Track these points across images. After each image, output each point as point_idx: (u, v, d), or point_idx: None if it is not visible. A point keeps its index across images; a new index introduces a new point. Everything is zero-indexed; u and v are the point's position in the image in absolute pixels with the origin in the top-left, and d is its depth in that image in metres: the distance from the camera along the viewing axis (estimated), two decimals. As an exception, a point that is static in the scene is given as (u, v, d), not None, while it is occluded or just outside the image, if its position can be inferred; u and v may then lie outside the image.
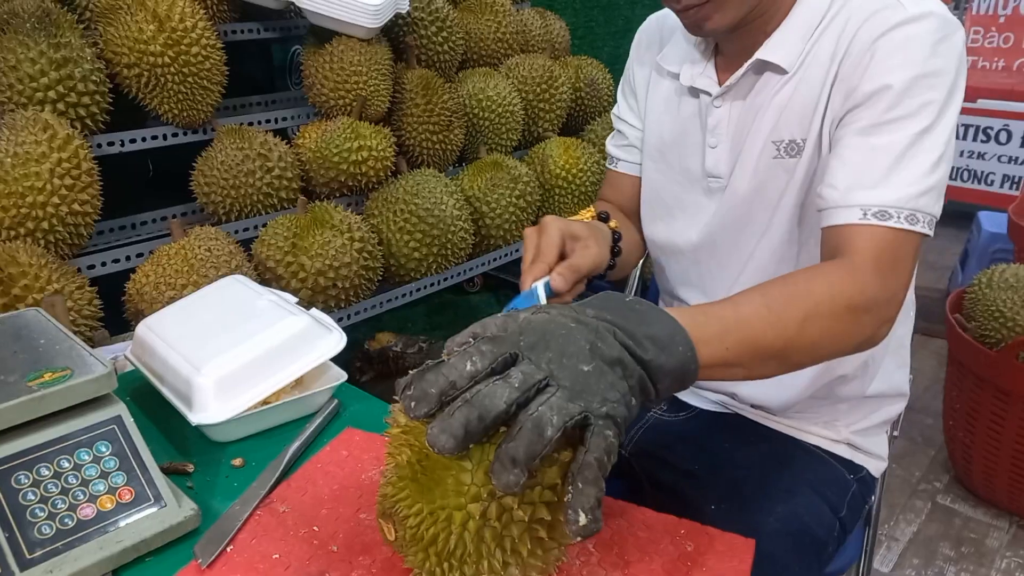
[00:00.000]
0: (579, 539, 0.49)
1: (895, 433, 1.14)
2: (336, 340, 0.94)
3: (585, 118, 2.31)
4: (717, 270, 1.02)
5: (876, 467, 1.05)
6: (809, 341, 0.70)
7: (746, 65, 0.90)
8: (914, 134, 0.79)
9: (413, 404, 0.50)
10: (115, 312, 1.32)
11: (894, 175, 0.79)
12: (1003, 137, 3.76)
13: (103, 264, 1.35)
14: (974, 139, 3.85)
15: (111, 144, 1.42)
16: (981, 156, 3.86)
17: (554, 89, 2.09)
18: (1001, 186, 3.80)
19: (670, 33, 1.04)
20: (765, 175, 0.92)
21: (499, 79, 1.96)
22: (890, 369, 1.04)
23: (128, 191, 1.51)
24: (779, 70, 0.89)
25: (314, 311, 1.00)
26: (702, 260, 1.04)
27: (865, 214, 0.78)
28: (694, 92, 0.98)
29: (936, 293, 1.92)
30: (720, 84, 0.94)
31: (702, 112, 0.97)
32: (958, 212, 3.67)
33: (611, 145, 1.15)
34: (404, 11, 1.69)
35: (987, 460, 1.91)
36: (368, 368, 2.08)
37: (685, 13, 0.87)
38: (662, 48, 1.04)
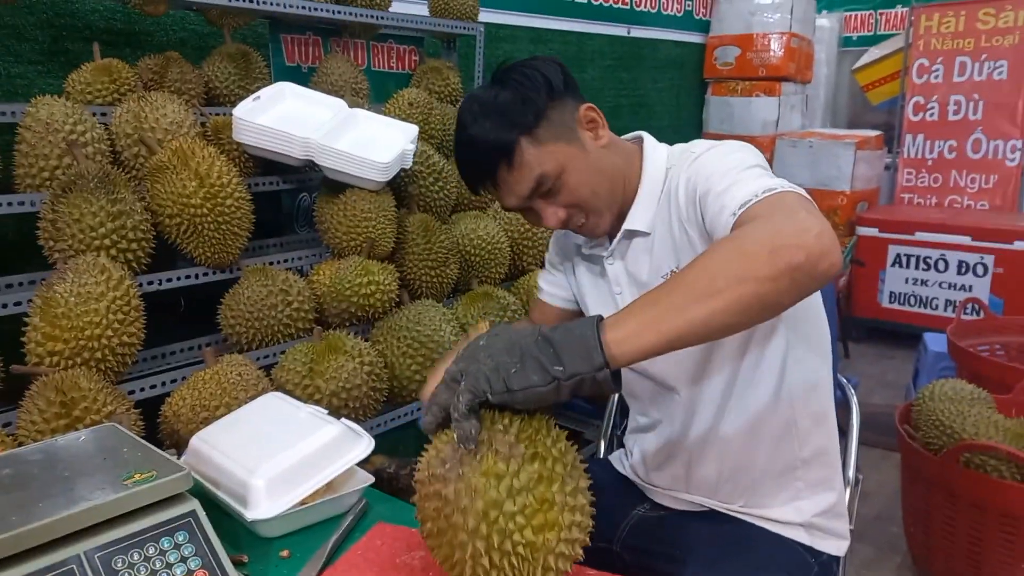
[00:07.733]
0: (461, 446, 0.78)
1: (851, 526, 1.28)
2: (366, 444, 1.11)
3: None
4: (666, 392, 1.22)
5: (837, 546, 1.20)
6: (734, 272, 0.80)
7: (619, 235, 1.18)
8: (754, 176, 0.98)
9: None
10: (147, 434, 1.45)
11: (758, 181, 0.95)
12: (941, 265, 4.13)
13: (141, 390, 1.50)
14: (916, 267, 4.21)
15: (151, 283, 1.62)
16: (924, 283, 4.20)
17: (536, 228, 2.35)
18: (944, 309, 4.12)
19: None
20: None
21: (488, 220, 2.22)
22: (818, 472, 1.19)
23: (160, 324, 1.68)
24: (643, 233, 1.17)
25: (345, 420, 1.16)
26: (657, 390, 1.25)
27: (756, 196, 0.92)
28: (595, 258, 1.26)
29: (893, 410, 2.15)
30: (607, 248, 1.22)
31: (604, 270, 1.25)
32: (909, 334, 3.95)
33: (541, 279, 1.43)
34: (408, 167, 1.96)
35: (945, 559, 2.05)
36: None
37: (579, 232, 1.20)
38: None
